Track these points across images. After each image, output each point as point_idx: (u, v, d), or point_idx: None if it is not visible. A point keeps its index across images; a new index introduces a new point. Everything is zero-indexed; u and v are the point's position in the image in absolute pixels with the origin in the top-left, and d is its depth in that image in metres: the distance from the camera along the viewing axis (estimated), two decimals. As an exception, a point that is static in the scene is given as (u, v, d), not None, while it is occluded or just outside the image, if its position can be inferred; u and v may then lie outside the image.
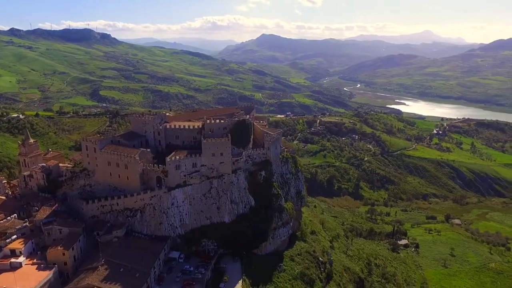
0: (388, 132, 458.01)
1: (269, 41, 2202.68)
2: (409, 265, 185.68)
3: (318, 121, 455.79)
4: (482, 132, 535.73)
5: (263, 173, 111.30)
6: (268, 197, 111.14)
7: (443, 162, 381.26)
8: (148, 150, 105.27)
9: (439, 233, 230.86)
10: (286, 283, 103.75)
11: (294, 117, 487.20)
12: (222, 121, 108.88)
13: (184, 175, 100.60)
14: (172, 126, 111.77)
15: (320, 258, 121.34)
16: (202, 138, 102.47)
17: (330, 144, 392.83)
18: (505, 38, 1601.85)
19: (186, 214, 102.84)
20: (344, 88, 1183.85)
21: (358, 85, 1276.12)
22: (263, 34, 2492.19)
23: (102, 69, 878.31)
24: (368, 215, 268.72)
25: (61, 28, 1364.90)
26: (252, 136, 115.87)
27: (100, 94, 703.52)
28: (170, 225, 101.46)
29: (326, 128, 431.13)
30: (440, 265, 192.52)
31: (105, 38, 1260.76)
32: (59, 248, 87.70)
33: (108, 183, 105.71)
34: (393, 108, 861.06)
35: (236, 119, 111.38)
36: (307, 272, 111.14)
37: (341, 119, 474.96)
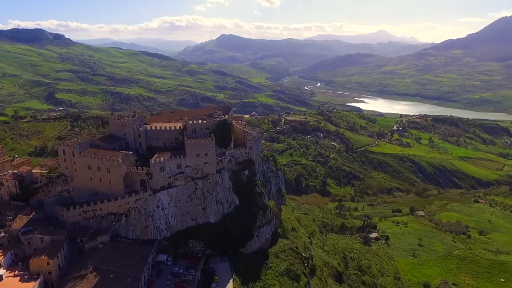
0: (351, 130, 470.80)
1: (228, 41, 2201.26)
2: (381, 256, 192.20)
3: (283, 120, 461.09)
4: (438, 127, 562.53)
5: (246, 172, 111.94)
6: (252, 196, 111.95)
7: (404, 157, 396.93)
8: (131, 152, 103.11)
9: (406, 225, 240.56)
10: (273, 279, 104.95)
11: (259, 116, 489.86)
12: (204, 121, 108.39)
13: (169, 177, 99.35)
14: (153, 128, 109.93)
15: (303, 254, 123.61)
16: (185, 139, 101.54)
17: (296, 142, 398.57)
18: (455, 38, 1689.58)
19: (171, 216, 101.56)
20: (305, 87, 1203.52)
21: (319, 84, 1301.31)
22: (222, 34, 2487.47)
23: (57, 71, 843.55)
24: (337, 211, 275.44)
25: (8, 28, 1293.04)
26: (233, 136, 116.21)
27: (56, 97, 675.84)
28: (156, 228, 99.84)
29: (291, 127, 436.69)
30: (410, 255, 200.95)
31: (58, 38, 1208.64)
32: (43, 257, 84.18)
33: (88, 188, 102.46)
34: (353, 106, 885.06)
35: (218, 119, 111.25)
36: (292, 268, 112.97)
37: (305, 118, 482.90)
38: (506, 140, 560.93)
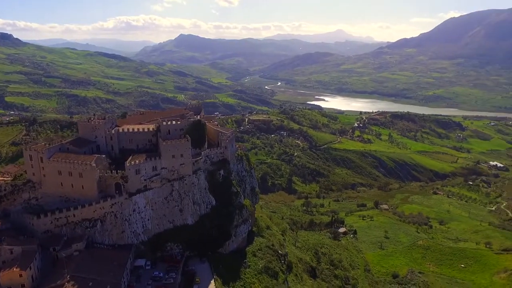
0: (313, 127, 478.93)
1: (187, 42, 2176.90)
2: (350, 250, 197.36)
3: (246, 120, 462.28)
4: (396, 123, 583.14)
5: (222, 172, 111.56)
6: (228, 196, 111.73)
7: (366, 152, 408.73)
8: (104, 156, 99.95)
9: (372, 219, 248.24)
10: (253, 278, 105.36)
11: (223, 116, 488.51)
12: (178, 122, 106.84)
13: (145, 180, 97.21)
14: (126, 130, 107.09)
15: (279, 251, 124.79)
16: (160, 141, 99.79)
17: (260, 141, 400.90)
18: (408, 37, 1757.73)
19: (148, 220, 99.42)
20: (266, 87, 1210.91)
21: (279, 83, 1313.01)
22: (181, 34, 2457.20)
23: (5, 73, 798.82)
24: (304, 208, 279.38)
25: None
26: (206, 136, 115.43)
27: (6, 100, 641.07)
28: (133, 232, 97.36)
29: (255, 126, 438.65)
30: (377, 247, 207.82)
31: (6, 38, 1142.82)
32: (14, 269, 79.92)
33: (59, 194, 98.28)
34: (314, 104, 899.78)
35: (192, 119, 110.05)
36: (270, 266, 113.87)
37: (269, 117, 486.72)
38: (459, 134, 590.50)
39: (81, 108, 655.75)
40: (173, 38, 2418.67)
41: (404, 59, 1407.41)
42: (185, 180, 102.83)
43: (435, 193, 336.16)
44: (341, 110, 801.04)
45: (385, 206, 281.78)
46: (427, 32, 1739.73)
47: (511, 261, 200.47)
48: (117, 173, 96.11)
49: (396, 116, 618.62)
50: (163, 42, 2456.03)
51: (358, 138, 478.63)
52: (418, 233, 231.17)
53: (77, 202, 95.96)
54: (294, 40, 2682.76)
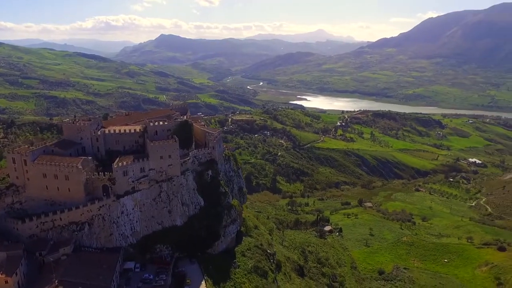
0: (297, 127, 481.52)
1: (168, 42, 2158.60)
2: (337, 248, 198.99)
3: (229, 120, 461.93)
4: (378, 122, 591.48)
5: (210, 172, 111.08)
6: (217, 196, 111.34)
7: (349, 151, 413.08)
8: (90, 158, 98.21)
9: (356, 217, 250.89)
10: (243, 278, 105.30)
11: (206, 117, 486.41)
12: (165, 123, 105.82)
13: (132, 181, 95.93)
14: (112, 131, 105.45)
15: (268, 251, 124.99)
16: (148, 141, 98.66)
17: (244, 141, 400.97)
18: (388, 36, 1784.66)
19: (136, 222, 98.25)
20: (248, 87, 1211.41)
21: (261, 83, 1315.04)
22: (162, 35, 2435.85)
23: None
24: (289, 207, 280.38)
25: None
26: (193, 137, 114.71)
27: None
28: (121, 234, 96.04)
29: (238, 126, 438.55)
30: (363, 244, 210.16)
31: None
32: (0, 276, 77.87)
33: (44, 198, 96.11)
34: (296, 104, 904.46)
35: (179, 120, 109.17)
36: (259, 265, 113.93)
37: (252, 117, 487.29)
38: (439, 132, 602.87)
39: (60, 110, 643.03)
40: (153, 38, 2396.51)
41: (384, 58, 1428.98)
42: (174, 181, 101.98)
43: (417, 190, 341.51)
44: (323, 109, 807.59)
45: (369, 204, 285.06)
46: (406, 32, 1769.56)
47: (491, 254, 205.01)
48: (104, 175, 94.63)
49: (377, 114, 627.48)
50: (144, 42, 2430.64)
51: (341, 137, 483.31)
52: (402, 229, 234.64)
53: (63, 206, 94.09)
54: (276, 40, 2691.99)
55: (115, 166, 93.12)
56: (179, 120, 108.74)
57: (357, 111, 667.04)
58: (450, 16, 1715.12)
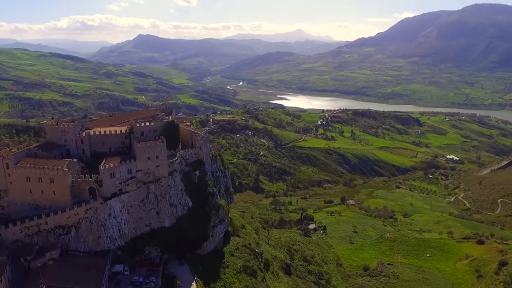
0: (278, 126, 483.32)
1: (146, 42, 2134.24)
2: (322, 246, 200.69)
3: (211, 120, 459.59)
4: (358, 120, 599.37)
5: (197, 173, 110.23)
6: (204, 196, 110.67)
7: (330, 150, 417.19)
8: (76, 160, 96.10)
9: (340, 214, 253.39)
10: (232, 277, 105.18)
11: (187, 117, 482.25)
12: (151, 123, 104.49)
13: (120, 183, 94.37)
14: (97, 133, 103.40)
15: (256, 250, 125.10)
16: (134, 142, 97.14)
17: (226, 142, 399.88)
18: (366, 36, 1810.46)
19: (124, 224, 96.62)
20: (227, 87, 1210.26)
21: (241, 83, 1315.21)
22: (140, 35, 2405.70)
23: None
24: (273, 206, 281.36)
25: None
26: (180, 137, 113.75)
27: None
28: (109, 237, 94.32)
29: (220, 126, 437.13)
30: (347, 242, 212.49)
31: None
32: (-16, 282, 75.63)
33: (27, 202, 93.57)
34: (277, 103, 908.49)
35: (165, 120, 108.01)
36: (248, 265, 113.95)
37: (233, 117, 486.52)
38: (417, 130, 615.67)
39: (36, 112, 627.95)
40: (131, 39, 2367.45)
41: (363, 58, 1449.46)
42: (161, 182, 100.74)
43: (397, 187, 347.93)
44: (303, 108, 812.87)
45: (351, 202, 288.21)
46: (383, 32, 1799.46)
47: (471, 248, 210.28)
48: (90, 177, 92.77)
49: (357, 113, 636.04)
50: (121, 42, 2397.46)
51: (322, 135, 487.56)
52: (385, 226, 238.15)
53: (48, 209, 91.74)
54: (255, 39, 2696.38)
55: (102, 168, 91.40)
56: (165, 120, 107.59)
57: (337, 110, 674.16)
58: (425, 16, 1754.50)
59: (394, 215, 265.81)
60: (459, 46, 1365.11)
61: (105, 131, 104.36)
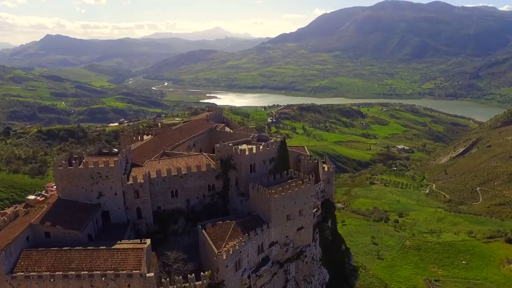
0: (231, 126, 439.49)
1: (55, 43, 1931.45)
2: (359, 270, 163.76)
3: (159, 124, 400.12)
4: (305, 116, 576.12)
5: (330, 223, 65.39)
6: (340, 260, 66.34)
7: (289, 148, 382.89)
8: (147, 240, 45.86)
9: (344, 223, 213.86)
10: None
11: (131, 123, 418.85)
12: (260, 146, 56.83)
13: (248, 276, 46.82)
14: (163, 171, 52.53)
15: None
16: (256, 189, 49.71)
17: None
18: (287, 32, 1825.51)
19: None
20: (153, 87, 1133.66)
21: (166, 83, 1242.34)
22: (48, 35, 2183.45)
23: None
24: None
25: None
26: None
27: None
28: None
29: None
30: (375, 258, 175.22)
31: None
32: None
33: None
34: (208, 102, 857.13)
35: (274, 140, 61.45)
36: None
37: (182, 120, 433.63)
38: (362, 122, 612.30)
39: None
40: (38, 39, 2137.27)
41: (287, 53, 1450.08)
42: (305, 255, 54.48)
43: (372, 183, 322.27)
44: (237, 106, 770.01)
45: (339, 205, 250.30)
46: (304, 27, 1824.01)
47: (505, 249, 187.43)
48: (190, 274, 43.49)
49: (303, 108, 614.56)
50: (25, 44, 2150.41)
51: (276, 134, 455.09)
52: (398, 231, 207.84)
53: None
54: (174, 38, 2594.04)
55: (222, 256, 42.84)
56: (274, 140, 60.99)
57: (282, 106, 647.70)
58: (342, 12, 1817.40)
59: (389, 215, 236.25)
60: (375, 40, 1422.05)
61: (177, 167, 53.52)
